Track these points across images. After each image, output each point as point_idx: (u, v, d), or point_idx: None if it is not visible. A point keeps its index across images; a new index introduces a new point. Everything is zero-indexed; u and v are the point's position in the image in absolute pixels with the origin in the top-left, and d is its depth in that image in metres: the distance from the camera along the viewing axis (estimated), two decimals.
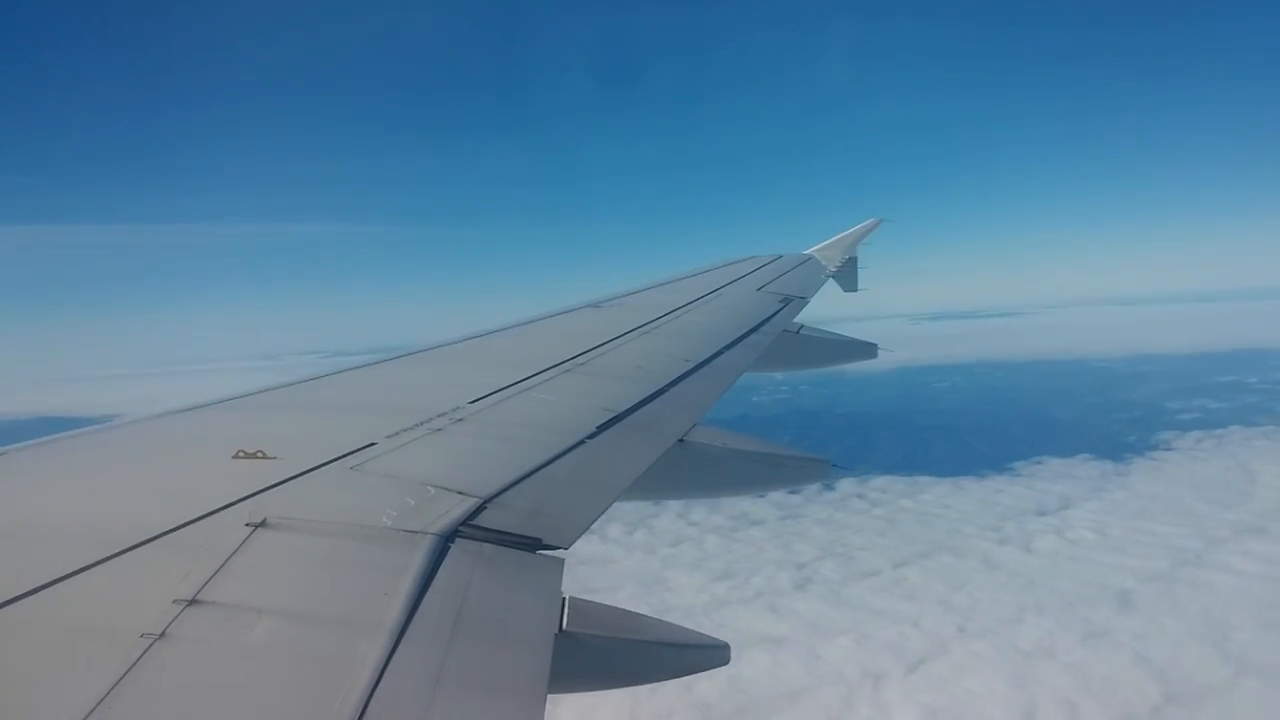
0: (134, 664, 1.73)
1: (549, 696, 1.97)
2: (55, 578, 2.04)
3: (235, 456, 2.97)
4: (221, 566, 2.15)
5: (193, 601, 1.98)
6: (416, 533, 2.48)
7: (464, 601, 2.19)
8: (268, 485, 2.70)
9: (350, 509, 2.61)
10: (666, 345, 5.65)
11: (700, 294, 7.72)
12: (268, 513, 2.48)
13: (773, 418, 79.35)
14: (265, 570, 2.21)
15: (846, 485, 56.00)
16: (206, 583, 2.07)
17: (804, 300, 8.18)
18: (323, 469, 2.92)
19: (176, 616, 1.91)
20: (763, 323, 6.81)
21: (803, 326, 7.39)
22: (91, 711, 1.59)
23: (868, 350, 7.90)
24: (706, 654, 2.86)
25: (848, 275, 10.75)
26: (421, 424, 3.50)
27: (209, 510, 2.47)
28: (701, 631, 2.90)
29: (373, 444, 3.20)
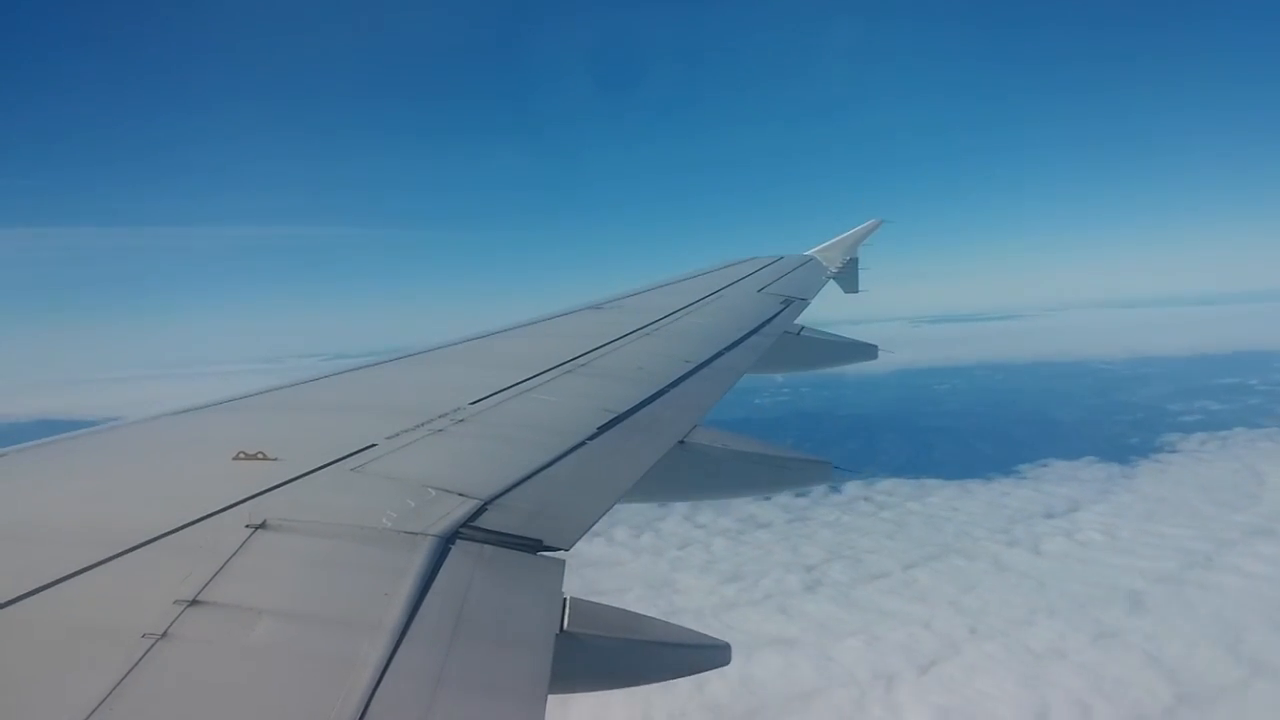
0: (135, 664, 1.74)
1: (553, 697, 1.97)
2: (57, 578, 2.05)
3: (236, 458, 2.97)
4: (222, 567, 2.16)
5: (194, 602, 1.99)
6: (417, 534, 2.48)
7: (465, 602, 2.19)
8: (268, 487, 2.71)
9: (351, 510, 2.62)
10: (667, 346, 5.65)
11: (701, 295, 7.72)
12: (268, 514, 2.49)
13: (775, 419, 79.31)
14: (266, 571, 2.21)
15: (853, 488, 55.93)
16: (207, 583, 2.07)
17: (805, 302, 8.17)
18: (323, 470, 2.93)
19: (178, 617, 1.92)
20: (763, 324, 6.81)
21: (803, 328, 7.39)
22: (93, 712, 1.59)
23: (868, 352, 7.89)
24: (707, 654, 2.86)
25: (848, 276, 10.75)
26: (422, 425, 3.50)
27: (210, 511, 2.48)
28: (704, 632, 2.90)
29: (373, 445, 3.21)
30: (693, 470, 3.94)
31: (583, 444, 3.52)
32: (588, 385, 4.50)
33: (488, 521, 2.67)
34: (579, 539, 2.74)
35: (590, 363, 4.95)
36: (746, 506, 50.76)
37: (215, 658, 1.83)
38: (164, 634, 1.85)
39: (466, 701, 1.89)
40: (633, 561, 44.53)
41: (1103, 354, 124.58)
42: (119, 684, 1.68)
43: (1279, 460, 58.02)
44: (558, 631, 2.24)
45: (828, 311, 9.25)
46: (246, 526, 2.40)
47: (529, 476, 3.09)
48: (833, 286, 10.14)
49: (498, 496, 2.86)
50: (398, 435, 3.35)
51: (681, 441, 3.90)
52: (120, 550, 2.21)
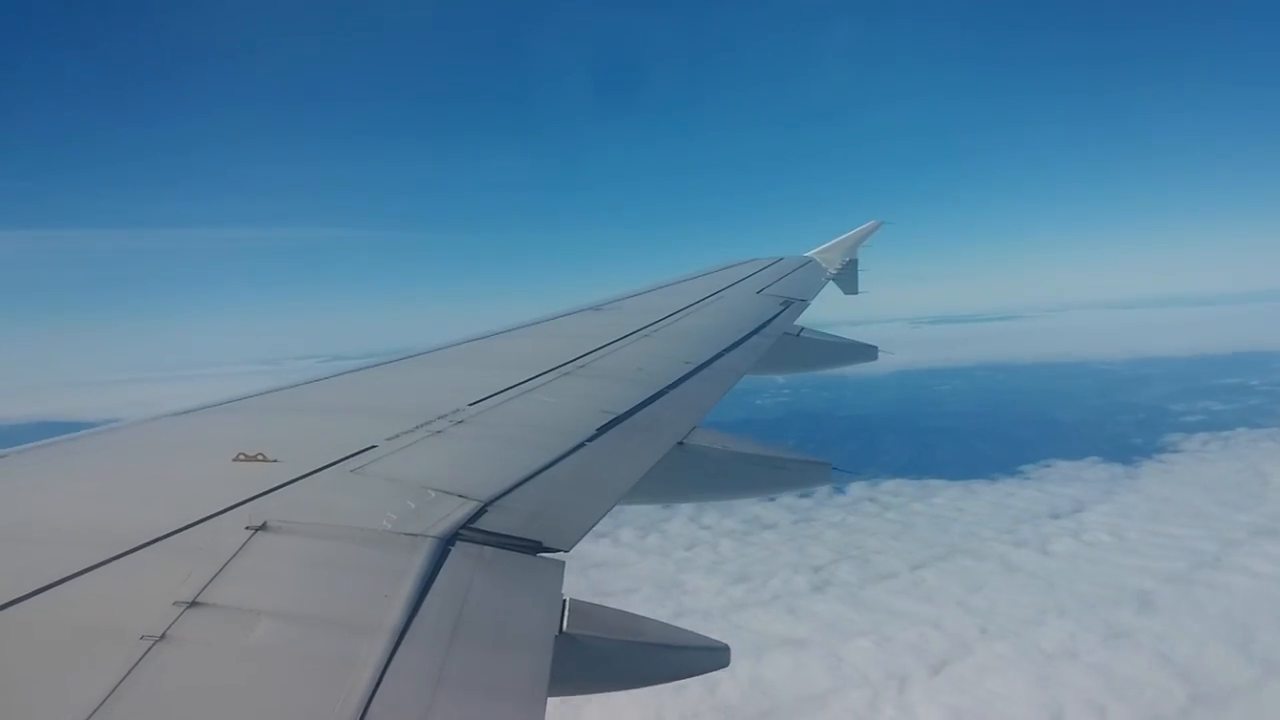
0: (135, 666, 1.74)
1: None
2: (56, 580, 2.05)
3: (236, 459, 2.98)
4: (222, 569, 2.17)
5: (193, 604, 1.99)
6: (417, 535, 2.48)
7: (464, 604, 2.19)
8: (268, 488, 2.71)
9: (351, 512, 2.62)
10: (667, 348, 5.65)
11: (701, 296, 7.72)
12: (268, 515, 2.49)
13: (776, 420, 79.24)
14: (266, 573, 2.22)
15: (857, 489, 55.88)
16: (207, 585, 2.08)
17: (804, 303, 8.17)
18: (323, 472, 2.93)
19: (177, 618, 1.92)
20: (763, 325, 6.80)
21: (803, 329, 7.39)
22: (93, 713, 1.60)
23: (868, 353, 7.89)
24: (706, 656, 2.86)
25: (848, 278, 10.75)
26: (421, 426, 3.51)
27: (209, 513, 2.48)
28: (707, 634, 2.90)
29: (373, 447, 3.21)
30: (692, 471, 3.94)
31: (582, 445, 3.52)
32: (587, 386, 4.50)
33: (488, 523, 2.67)
34: (579, 540, 2.74)
35: (590, 364, 4.94)
36: (751, 507, 50.72)
37: (215, 659, 1.83)
38: (163, 635, 1.85)
39: (466, 703, 1.89)
40: (640, 562, 44.48)
41: (1103, 354, 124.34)
42: (118, 685, 1.68)
43: None
44: (557, 633, 2.24)
45: (827, 312, 9.25)
46: (246, 528, 2.40)
47: (529, 478, 3.09)
48: (832, 288, 10.14)
49: (498, 498, 2.86)
50: (397, 436, 3.36)
51: (681, 443, 3.90)
52: (120, 552, 2.21)
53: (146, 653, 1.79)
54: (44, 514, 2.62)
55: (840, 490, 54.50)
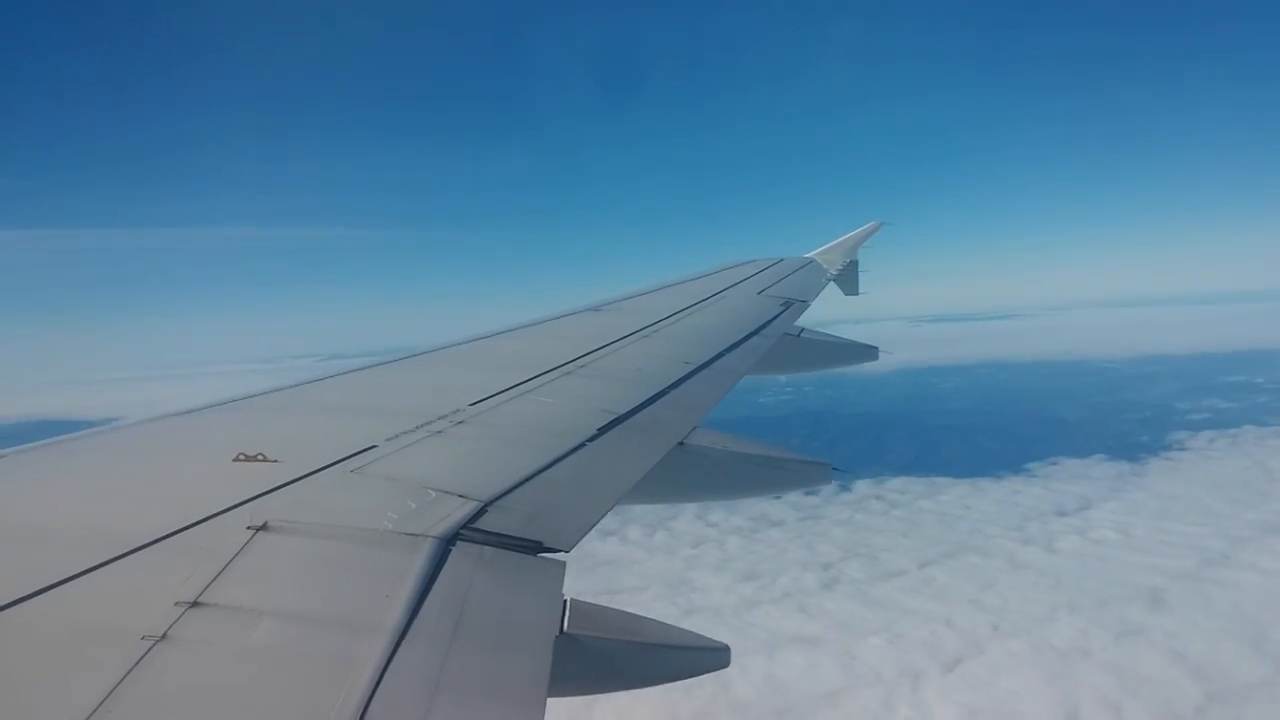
0: (135, 665, 1.75)
1: (555, 699, 1.97)
2: (57, 580, 2.06)
3: (236, 459, 2.99)
4: (223, 569, 2.17)
5: (194, 604, 2.00)
6: (417, 536, 2.49)
7: (465, 604, 2.20)
8: (269, 488, 2.72)
9: (351, 512, 2.63)
10: (667, 348, 5.65)
11: (701, 297, 7.72)
12: (269, 516, 2.50)
13: (779, 419, 79.11)
14: (266, 573, 2.22)
15: (864, 486, 55.79)
16: (208, 585, 2.08)
17: (805, 303, 8.16)
18: (323, 472, 2.94)
19: (178, 619, 1.93)
20: (764, 326, 6.80)
21: (804, 329, 7.38)
22: (93, 713, 1.61)
23: (868, 353, 7.88)
24: (707, 656, 2.86)
25: (849, 278, 10.74)
26: (422, 426, 3.51)
27: (210, 513, 2.49)
28: (701, 633, 2.90)
29: (373, 447, 3.22)
30: (693, 471, 3.94)
31: (583, 445, 3.53)
32: (588, 387, 4.50)
33: (488, 523, 2.67)
34: (579, 541, 2.74)
35: (590, 364, 4.94)
36: (757, 505, 50.63)
37: (216, 659, 1.84)
38: (165, 635, 1.86)
39: (466, 703, 1.89)
40: (647, 560, 44.43)
41: (1105, 353, 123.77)
42: (119, 685, 1.69)
43: None
44: (557, 633, 2.24)
45: (827, 311, 9.24)
46: (247, 528, 2.41)
47: (529, 478, 3.09)
48: (833, 288, 10.14)
49: (498, 498, 2.86)
50: (398, 436, 3.36)
51: (681, 443, 3.90)
52: (121, 552, 2.22)
53: (147, 653, 1.80)
54: (44, 514, 2.63)
55: (846, 488, 54.41)
